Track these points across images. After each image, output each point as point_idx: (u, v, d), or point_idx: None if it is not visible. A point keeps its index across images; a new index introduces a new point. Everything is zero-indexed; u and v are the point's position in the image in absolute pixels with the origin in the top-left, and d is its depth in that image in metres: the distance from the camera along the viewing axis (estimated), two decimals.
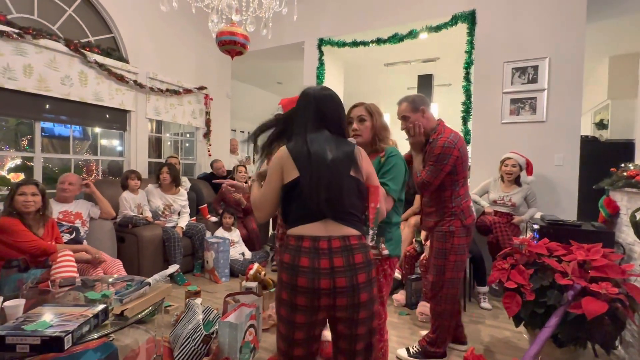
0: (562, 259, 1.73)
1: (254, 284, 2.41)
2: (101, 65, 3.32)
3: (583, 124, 5.34)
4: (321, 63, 4.28)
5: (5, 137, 4.14)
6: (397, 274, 2.88)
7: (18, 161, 4.05)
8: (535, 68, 3.12)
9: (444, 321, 1.88)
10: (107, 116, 3.60)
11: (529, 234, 2.54)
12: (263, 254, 3.64)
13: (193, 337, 1.74)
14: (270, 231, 4.28)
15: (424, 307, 2.47)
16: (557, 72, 3.07)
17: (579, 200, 3.04)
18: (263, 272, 2.50)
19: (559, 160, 3.07)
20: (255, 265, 2.50)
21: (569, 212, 3.00)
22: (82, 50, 3.17)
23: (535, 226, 2.29)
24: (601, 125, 4.91)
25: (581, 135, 3.10)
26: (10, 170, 4.11)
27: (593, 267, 1.63)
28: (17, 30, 2.70)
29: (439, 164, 1.73)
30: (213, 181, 3.99)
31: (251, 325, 1.86)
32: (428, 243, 2.77)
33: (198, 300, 2.23)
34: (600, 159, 3.38)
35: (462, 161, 1.77)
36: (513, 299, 1.70)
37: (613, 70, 4.61)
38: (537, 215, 2.77)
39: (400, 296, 2.79)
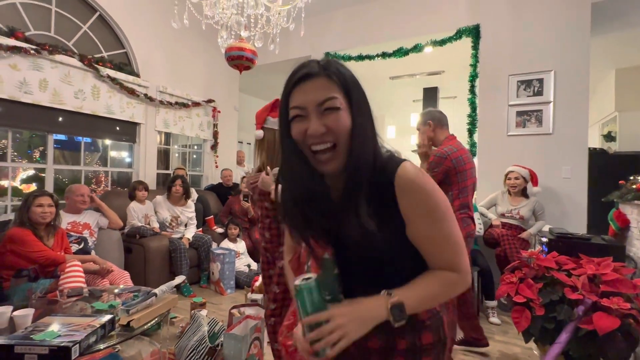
0: (572, 273, 1.70)
1: (259, 296, 2.40)
2: (113, 80, 3.41)
3: (591, 136, 5.31)
4: None
5: (19, 148, 4.24)
6: None
7: (31, 172, 4.14)
8: (541, 81, 3.13)
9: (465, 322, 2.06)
10: (118, 128, 3.68)
11: (538, 247, 2.50)
12: None
13: (198, 349, 1.74)
14: None
15: None
16: (562, 85, 3.07)
17: (589, 213, 2.99)
18: None
19: (567, 173, 3.05)
20: (261, 277, 2.49)
21: (578, 224, 2.96)
22: (96, 65, 3.27)
23: (544, 239, 2.26)
24: (609, 137, 4.87)
25: (589, 148, 3.08)
26: (23, 181, 4.20)
27: (604, 281, 1.60)
28: (34, 47, 2.80)
29: (432, 171, 1.89)
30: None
31: (256, 338, 1.85)
32: None
33: (203, 312, 2.22)
34: (610, 171, 3.35)
35: (455, 172, 1.85)
36: (522, 313, 1.67)
37: (620, 82, 4.60)
38: (546, 228, 2.74)
39: None
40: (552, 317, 1.60)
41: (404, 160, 0.64)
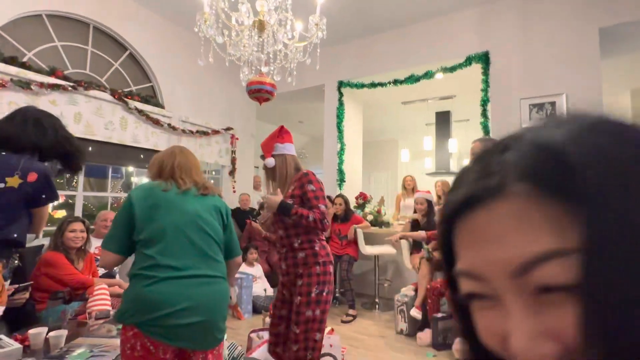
0: None
1: None
2: (140, 111, 3.64)
3: None
4: (341, 103, 4.49)
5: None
6: (416, 313, 2.81)
7: (61, 199, 4.36)
8: (553, 104, 3.17)
9: None
10: (142, 156, 3.88)
11: None
12: None
13: None
14: None
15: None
16: (575, 108, 3.09)
17: None
18: None
19: None
20: (270, 316, 2.52)
21: None
22: (125, 99, 3.51)
23: None
24: None
25: None
26: (53, 207, 4.42)
27: None
28: (71, 84, 3.05)
29: None
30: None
31: None
32: (436, 254, 2.90)
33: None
34: None
35: None
36: None
37: (636, 103, 4.57)
38: None
39: (424, 335, 2.70)
40: None
41: None
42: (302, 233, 1.55)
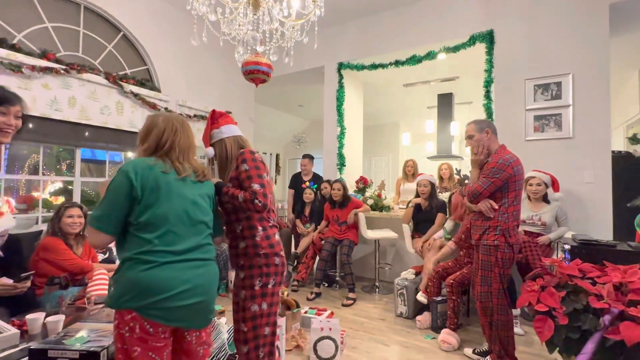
0: (596, 281, 1.65)
1: None
2: (136, 95, 3.57)
3: (616, 138, 5.13)
4: (341, 86, 4.40)
5: (48, 162, 4.47)
6: (422, 297, 2.82)
7: (60, 184, 4.35)
8: (559, 84, 3.08)
9: (502, 331, 1.95)
10: None
11: (560, 255, 2.43)
12: (286, 274, 3.66)
13: (218, 357, 1.77)
14: (292, 249, 4.30)
15: (448, 335, 2.37)
16: (581, 88, 3.01)
17: (615, 219, 2.89)
18: (286, 293, 2.52)
19: (590, 177, 2.96)
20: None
21: (603, 230, 2.86)
22: (120, 82, 3.43)
23: (566, 246, 2.20)
24: (635, 139, 4.69)
25: (614, 151, 2.98)
26: (52, 194, 4.41)
27: (631, 289, 1.55)
28: (64, 67, 2.98)
29: (492, 177, 1.92)
30: None
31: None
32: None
33: (223, 320, 2.26)
34: (636, 174, 3.23)
35: (514, 180, 1.94)
36: (545, 322, 1.63)
37: None
38: (568, 235, 2.66)
39: (424, 318, 2.71)
40: (576, 327, 1.55)
41: None
42: (243, 219, 1.46)
